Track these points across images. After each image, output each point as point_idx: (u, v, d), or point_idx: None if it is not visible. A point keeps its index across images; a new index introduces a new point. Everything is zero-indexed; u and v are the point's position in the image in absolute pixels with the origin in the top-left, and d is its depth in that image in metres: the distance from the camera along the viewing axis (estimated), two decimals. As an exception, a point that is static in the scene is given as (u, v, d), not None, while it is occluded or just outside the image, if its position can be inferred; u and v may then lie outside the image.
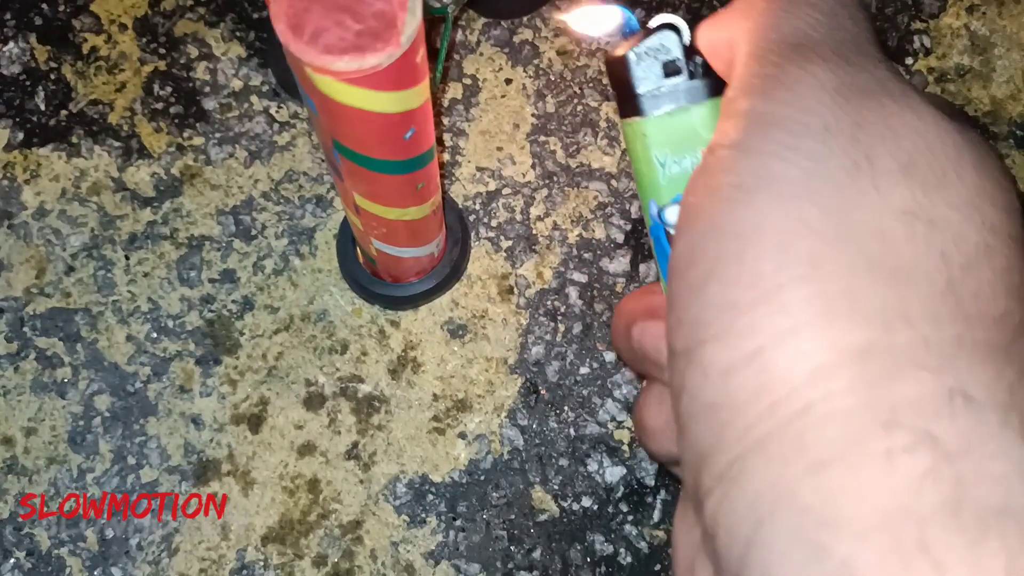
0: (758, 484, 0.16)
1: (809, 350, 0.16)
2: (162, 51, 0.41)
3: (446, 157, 0.39)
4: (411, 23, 0.21)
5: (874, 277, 0.17)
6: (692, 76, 0.23)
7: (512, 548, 0.34)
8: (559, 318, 0.37)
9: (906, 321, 0.17)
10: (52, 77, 0.40)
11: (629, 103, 0.24)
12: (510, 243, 0.38)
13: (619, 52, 0.24)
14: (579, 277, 0.37)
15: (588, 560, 0.34)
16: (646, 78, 0.23)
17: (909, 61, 0.39)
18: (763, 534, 0.16)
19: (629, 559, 0.34)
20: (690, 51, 0.23)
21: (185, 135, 0.39)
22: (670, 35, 0.23)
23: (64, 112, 0.40)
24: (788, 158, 0.18)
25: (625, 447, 0.35)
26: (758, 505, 0.16)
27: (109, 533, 0.35)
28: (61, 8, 0.41)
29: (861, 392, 0.16)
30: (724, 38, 0.21)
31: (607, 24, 0.25)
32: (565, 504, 0.35)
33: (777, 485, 0.16)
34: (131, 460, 0.36)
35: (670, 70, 0.23)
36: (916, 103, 0.18)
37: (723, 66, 0.22)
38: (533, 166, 0.39)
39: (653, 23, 0.23)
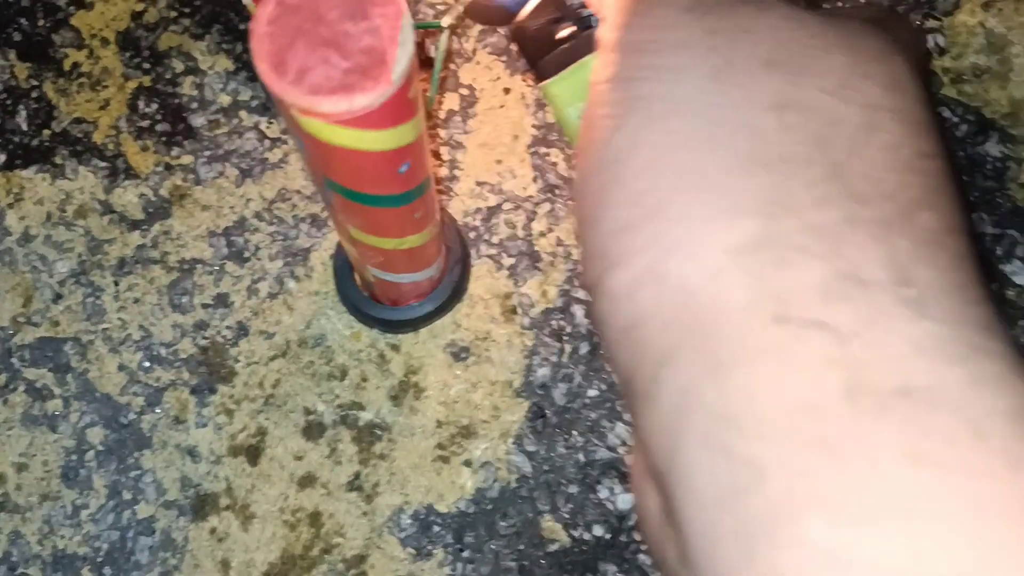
0: (670, 396, 0.16)
1: (699, 254, 0.17)
2: (146, 66, 0.39)
3: (444, 172, 0.37)
4: (402, 58, 0.19)
5: (750, 172, 0.17)
6: (585, 28, 0.24)
7: (522, 579, 0.33)
8: (565, 338, 0.36)
9: (789, 210, 0.16)
10: (33, 95, 0.39)
11: (536, 69, 0.25)
12: (512, 260, 0.36)
13: (517, 23, 0.25)
14: (585, 295, 0.36)
15: (600, 589, 0.33)
16: (543, 42, 0.24)
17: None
18: (679, 445, 0.16)
19: (642, 587, 0.33)
20: (581, 5, 0.24)
21: (173, 154, 0.38)
22: None
23: (47, 132, 0.38)
24: (651, 77, 0.18)
25: (636, 472, 0.34)
26: (671, 417, 0.16)
27: (107, 572, 0.34)
28: (40, 23, 0.40)
29: (752, 288, 0.16)
30: None
31: None
32: (576, 533, 0.34)
33: (686, 394, 0.16)
34: (126, 495, 0.35)
35: (564, 29, 0.24)
36: (772, 4, 0.19)
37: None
38: (534, 179, 0.37)
39: None
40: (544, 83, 0.25)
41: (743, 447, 0.15)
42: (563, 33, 0.24)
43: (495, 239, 0.37)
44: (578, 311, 0.36)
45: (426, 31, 0.37)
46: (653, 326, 0.17)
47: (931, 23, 0.38)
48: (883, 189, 0.17)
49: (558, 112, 0.25)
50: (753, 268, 0.16)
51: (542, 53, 0.24)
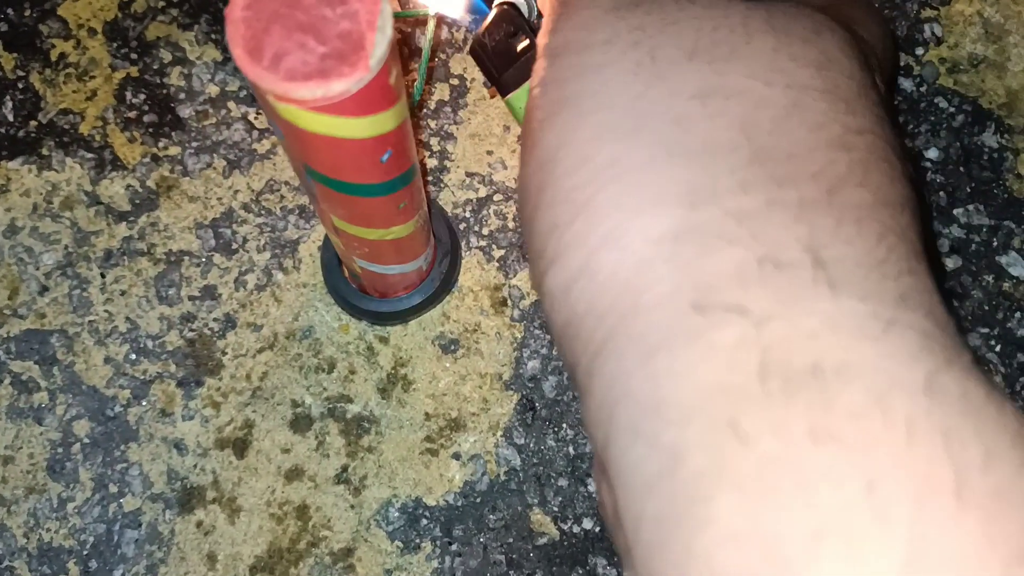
0: (602, 387, 0.17)
1: (626, 246, 0.17)
2: (134, 56, 0.39)
3: (434, 162, 0.37)
4: (380, 43, 0.19)
5: (674, 162, 0.17)
6: None
7: (511, 573, 0.33)
8: (555, 330, 0.35)
9: (711, 198, 0.17)
10: (20, 86, 0.39)
11: (495, 84, 0.25)
12: (503, 252, 0.36)
13: (475, 38, 0.25)
14: (575, 287, 0.36)
15: (590, 583, 0.33)
16: (502, 56, 0.25)
17: (920, 51, 0.37)
18: (611, 434, 0.16)
19: (633, 581, 0.33)
20: (539, 16, 0.24)
21: (160, 145, 0.38)
22: (511, 10, 0.24)
23: (33, 123, 0.38)
24: (577, 76, 0.19)
25: (626, 465, 0.34)
26: (604, 408, 0.17)
27: (92, 565, 0.34)
28: (27, 13, 0.39)
29: (675, 276, 0.16)
30: None
31: (460, 7, 0.26)
32: (565, 526, 0.33)
33: (615, 384, 0.16)
34: (113, 488, 0.34)
35: (521, 40, 0.24)
36: None
37: None
38: (525, 170, 0.37)
39: (496, 2, 0.25)
40: (507, 97, 0.25)
41: (665, 433, 0.15)
42: (521, 46, 0.24)
43: (485, 230, 0.36)
44: (568, 303, 0.36)
45: (416, 21, 0.37)
46: (588, 320, 0.17)
47: (928, 12, 0.38)
48: (808, 169, 0.17)
49: (521, 121, 0.25)
50: (676, 257, 0.16)
51: (503, 68, 0.25)
